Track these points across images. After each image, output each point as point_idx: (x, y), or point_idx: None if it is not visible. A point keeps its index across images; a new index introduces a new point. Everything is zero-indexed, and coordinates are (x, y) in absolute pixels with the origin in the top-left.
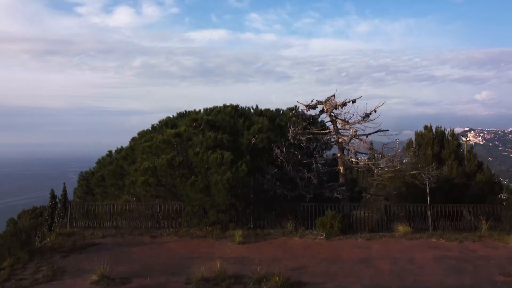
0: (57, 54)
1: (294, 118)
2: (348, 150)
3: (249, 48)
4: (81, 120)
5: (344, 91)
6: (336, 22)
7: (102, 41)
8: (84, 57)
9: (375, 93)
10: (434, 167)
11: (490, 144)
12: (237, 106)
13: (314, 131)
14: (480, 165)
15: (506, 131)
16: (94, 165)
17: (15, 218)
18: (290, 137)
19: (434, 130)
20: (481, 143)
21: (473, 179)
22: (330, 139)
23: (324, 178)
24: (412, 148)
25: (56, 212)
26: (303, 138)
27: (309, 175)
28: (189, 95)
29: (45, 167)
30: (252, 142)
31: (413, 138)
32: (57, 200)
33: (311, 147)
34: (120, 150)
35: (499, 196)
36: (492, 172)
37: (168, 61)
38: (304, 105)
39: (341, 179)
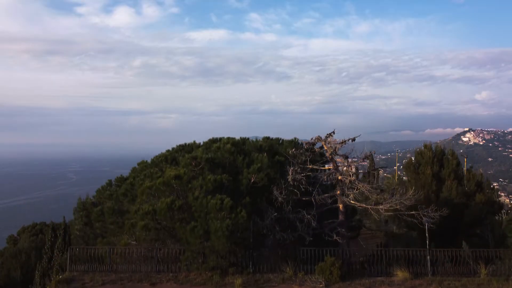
0: (57, 54)
1: (294, 152)
2: (348, 194)
3: (249, 48)
4: (81, 120)
5: (344, 91)
6: (336, 22)
7: (102, 41)
8: (84, 57)
9: (375, 93)
10: (434, 208)
11: (490, 144)
12: (237, 142)
13: (314, 167)
14: (479, 184)
15: (505, 131)
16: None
17: (15, 235)
18: (289, 179)
19: (433, 149)
20: (481, 143)
21: (473, 199)
22: (330, 176)
23: (323, 216)
24: (411, 191)
25: (56, 246)
26: (302, 176)
27: (308, 216)
28: (189, 95)
29: (45, 167)
30: (252, 181)
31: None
32: (57, 233)
33: (310, 188)
34: (120, 180)
35: (499, 215)
36: (491, 183)
37: (168, 61)
38: (304, 142)
39: (341, 217)
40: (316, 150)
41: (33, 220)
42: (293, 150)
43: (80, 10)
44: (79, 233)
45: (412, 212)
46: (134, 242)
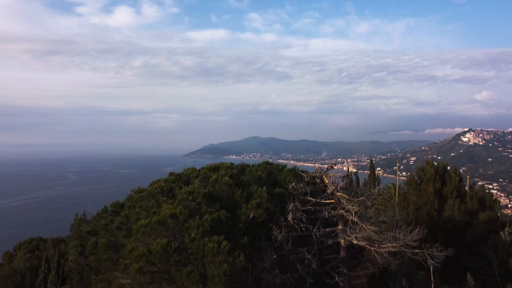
0: (57, 54)
1: (294, 186)
2: (350, 234)
3: (249, 48)
4: (81, 120)
5: (344, 91)
6: (336, 22)
7: (103, 41)
8: (84, 57)
9: (375, 93)
10: (439, 248)
11: (490, 144)
12: (235, 173)
13: (316, 200)
14: (482, 202)
15: (505, 131)
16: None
17: (11, 251)
18: (289, 218)
19: (435, 165)
20: (481, 143)
21: (475, 217)
22: (331, 212)
23: (324, 252)
24: (416, 230)
25: (49, 280)
26: (303, 211)
27: (309, 257)
28: (189, 95)
29: (45, 167)
30: (251, 216)
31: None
32: (50, 265)
33: (311, 227)
34: (116, 205)
35: (503, 233)
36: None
37: (168, 61)
38: (304, 174)
39: (342, 253)
40: (317, 181)
41: (34, 220)
42: (293, 184)
43: (80, 10)
44: (73, 265)
45: (416, 251)
46: (129, 281)
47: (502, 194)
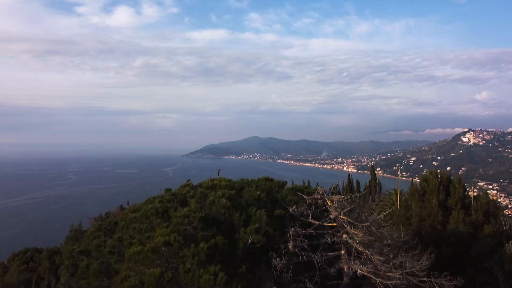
0: (58, 54)
1: (295, 209)
2: (355, 262)
3: (249, 48)
4: (81, 120)
5: (344, 91)
6: (336, 22)
7: (103, 41)
8: (84, 57)
9: (375, 93)
10: (448, 278)
11: (490, 144)
12: (233, 195)
13: (318, 223)
14: (487, 214)
15: (505, 131)
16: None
17: (5, 262)
18: (290, 246)
19: (439, 175)
20: (481, 143)
21: (481, 230)
22: (334, 237)
23: (327, 277)
24: (423, 258)
25: None
26: (304, 235)
27: (310, 286)
28: (189, 95)
29: (45, 167)
30: (249, 241)
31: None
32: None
33: (312, 255)
34: (110, 224)
35: (508, 246)
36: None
37: (168, 61)
38: (305, 196)
39: (345, 279)
40: (319, 202)
41: (34, 220)
42: (294, 207)
43: (80, 10)
44: None
45: (424, 279)
46: None
47: (502, 194)
